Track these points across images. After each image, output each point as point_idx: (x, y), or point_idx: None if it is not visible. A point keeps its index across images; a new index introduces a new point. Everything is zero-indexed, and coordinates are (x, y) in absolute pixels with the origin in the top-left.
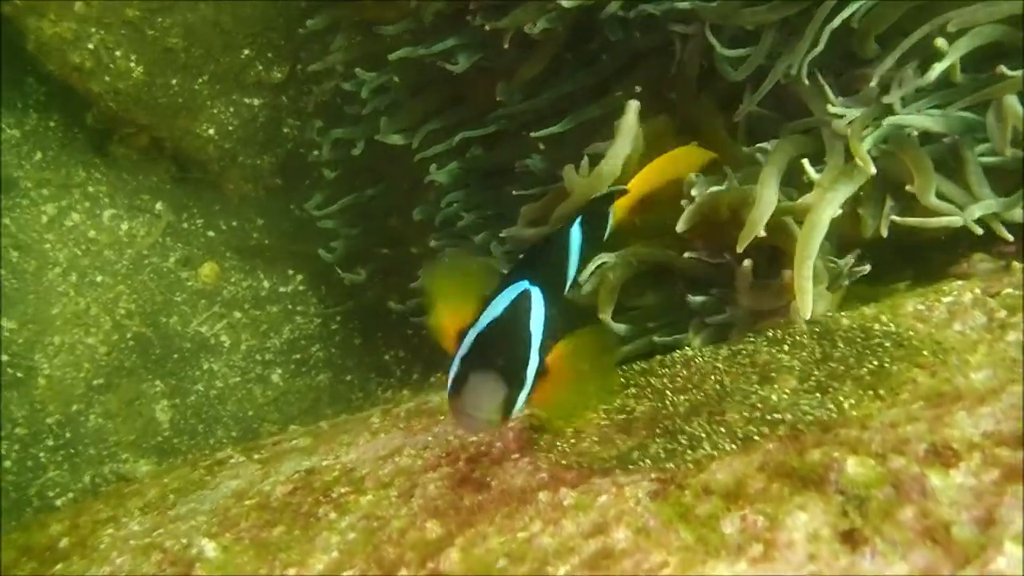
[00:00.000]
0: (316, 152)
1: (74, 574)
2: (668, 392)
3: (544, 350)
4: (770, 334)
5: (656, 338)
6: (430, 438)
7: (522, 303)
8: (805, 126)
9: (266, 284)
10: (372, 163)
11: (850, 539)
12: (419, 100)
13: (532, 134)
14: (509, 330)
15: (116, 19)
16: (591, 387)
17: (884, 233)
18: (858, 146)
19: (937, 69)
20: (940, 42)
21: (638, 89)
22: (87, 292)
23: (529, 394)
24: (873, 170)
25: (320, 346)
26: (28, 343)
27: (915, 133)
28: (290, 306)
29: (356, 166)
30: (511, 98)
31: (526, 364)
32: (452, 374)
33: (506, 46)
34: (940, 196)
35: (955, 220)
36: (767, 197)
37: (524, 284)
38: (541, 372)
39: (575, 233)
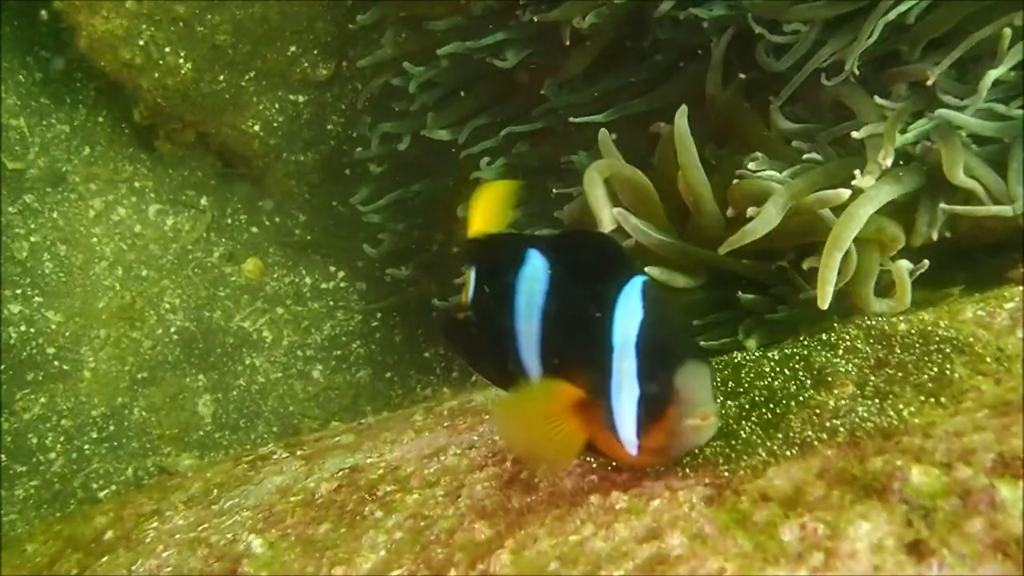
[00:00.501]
0: (361, 148)
1: (121, 567)
2: (719, 396)
3: None
4: (824, 337)
5: (703, 342)
6: (475, 437)
7: (654, 295)
8: (846, 130)
9: (308, 280)
10: (418, 159)
11: (916, 550)
12: (467, 96)
13: (572, 119)
14: (667, 325)
15: (166, 16)
16: None
17: (935, 236)
18: (889, 141)
19: (992, 75)
20: (1007, 32)
21: (742, 76)
22: (132, 286)
23: None
24: (889, 162)
25: (361, 343)
26: (74, 336)
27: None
28: (332, 302)
29: (402, 162)
30: (558, 94)
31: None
32: (628, 403)
33: (567, 42)
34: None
35: (1004, 210)
36: (771, 214)
37: (640, 278)
38: None
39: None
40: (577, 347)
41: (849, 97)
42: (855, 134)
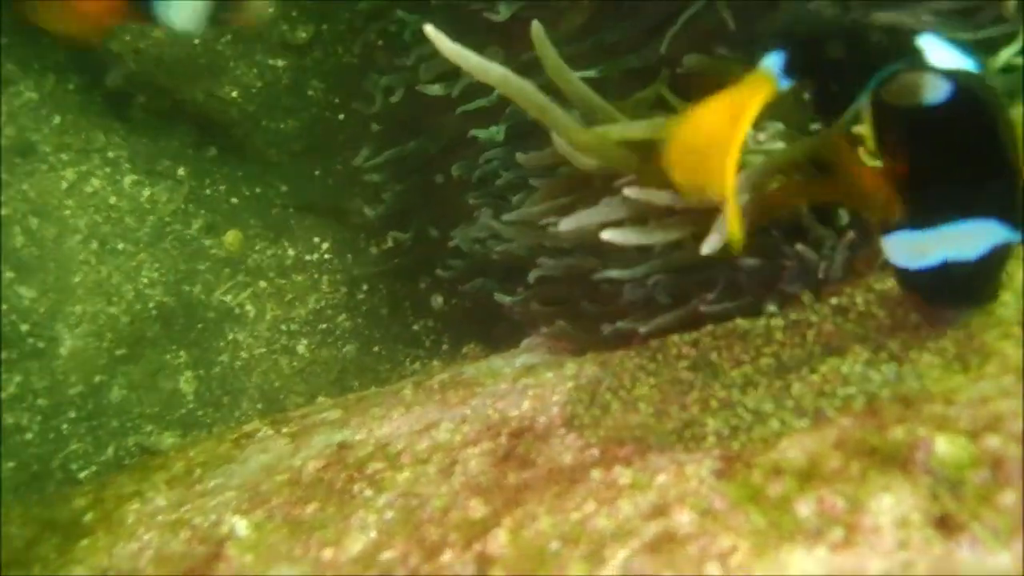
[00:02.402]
0: (358, 105)
1: (100, 550)
2: (725, 364)
3: None
4: (834, 302)
5: (704, 308)
6: (468, 411)
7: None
8: None
9: (291, 252)
10: (413, 115)
11: (944, 525)
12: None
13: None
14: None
15: None
16: None
17: None
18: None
19: (1004, 55)
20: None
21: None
22: (109, 260)
23: None
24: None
25: (347, 316)
26: (49, 312)
27: None
28: (316, 275)
29: (397, 118)
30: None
31: None
32: None
33: None
34: None
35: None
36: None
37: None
38: None
39: None
40: None
41: None
42: None
